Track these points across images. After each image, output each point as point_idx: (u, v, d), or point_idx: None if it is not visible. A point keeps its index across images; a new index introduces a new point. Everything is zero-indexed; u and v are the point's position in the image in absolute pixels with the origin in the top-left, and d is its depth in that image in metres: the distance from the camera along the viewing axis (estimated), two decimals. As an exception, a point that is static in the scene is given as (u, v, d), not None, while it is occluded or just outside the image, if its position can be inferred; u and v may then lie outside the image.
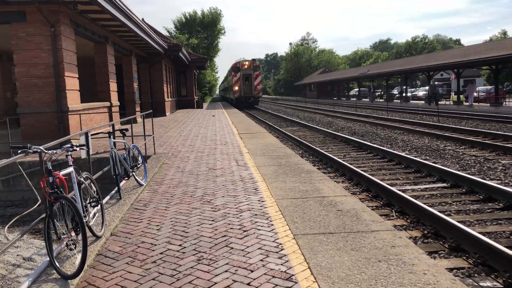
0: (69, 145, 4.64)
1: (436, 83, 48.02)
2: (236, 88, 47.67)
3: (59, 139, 4.99)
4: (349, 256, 4.28)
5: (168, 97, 32.90)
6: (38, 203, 5.56)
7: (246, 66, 47.95)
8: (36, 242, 7.48)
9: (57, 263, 4.22)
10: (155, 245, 4.92)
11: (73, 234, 4.52)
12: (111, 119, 18.96)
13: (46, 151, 4.32)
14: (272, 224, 5.36)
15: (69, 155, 4.77)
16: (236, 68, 48.38)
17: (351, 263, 4.11)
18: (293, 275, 3.94)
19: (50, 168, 4.23)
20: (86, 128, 14.50)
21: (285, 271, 4.02)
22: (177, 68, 40.52)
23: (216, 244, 4.81)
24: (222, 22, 73.76)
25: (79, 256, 4.11)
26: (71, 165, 4.73)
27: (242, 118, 25.68)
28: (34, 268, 5.70)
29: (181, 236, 5.16)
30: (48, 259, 4.42)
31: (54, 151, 4.40)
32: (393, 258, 4.21)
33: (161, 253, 4.66)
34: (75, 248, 4.46)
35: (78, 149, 4.80)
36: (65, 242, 4.52)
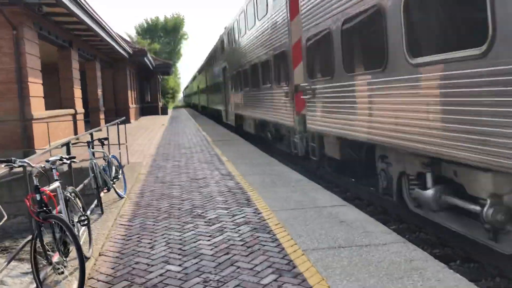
0: (57, 157, 4.15)
1: None
2: None
3: (43, 151, 4.48)
4: (369, 273, 3.97)
5: (132, 104, 32.03)
6: (4, 219, 5.02)
7: None
8: (11, 264, 6.83)
9: (46, 292, 3.72)
10: (152, 265, 4.47)
11: (57, 256, 4.04)
12: (75, 127, 18.11)
13: (33, 165, 3.81)
14: (277, 239, 5.00)
15: (54, 168, 4.26)
16: None
17: (374, 280, 3.80)
18: (315, 297, 3.60)
19: (37, 184, 3.74)
20: (51, 137, 13.73)
21: (305, 293, 3.67)
22: (141, 73, 39.56)
23: (220, 263, 4.41)
24: (185, 27, 73.11)
25: (75, 283, 3.63)
26: (57, 180, 4.23)
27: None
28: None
29: (179, 255, 4.72)
30: (34, 286, 3.91)
31: (43, 165, 3.90)
32: (415, 273, 3.93)
33: (161, 275, 4.22)
34: (64, 271, 3.98)
35: (68, 162, 4.31)
36: (52, 266, 4.02)
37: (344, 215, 5.76)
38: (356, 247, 4.63)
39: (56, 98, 20.22)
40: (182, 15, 76.74)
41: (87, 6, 14.68)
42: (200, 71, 45.28)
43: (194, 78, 57.03)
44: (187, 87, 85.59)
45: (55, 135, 14.81)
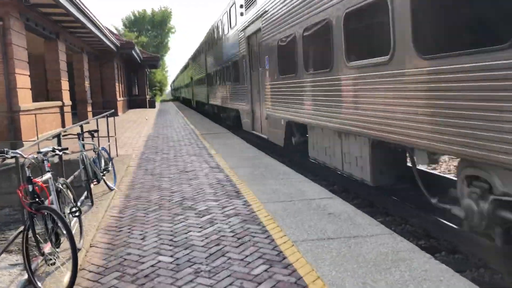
0: (50, 149, 4.16)
1: None
2: None
3: (34, 142, 4.49)
4: (358, 263, 4.06)
5: (120, 97, 31.83)
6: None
7: None
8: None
9: (39, 283, 3.75)
10: (144, 256, 4.51)
11: (49, 246, 4.07)
12: (63, 119, 17.98)
13: (26, 156, 3.82)
14: (267, 230, 5.07)
15: (46, 159, 4.27)
16: None
17: (363, 271, 3.89)
18: (305, 286, 3.68)
19: (29, 175, 3.75)
20: (38, 129, 13.64)
21: (295, 282, 3.75)
22: (129, 66, 39.29)
23: (211, 254, 4.46)
24: (172, 21, 72.67)
25: (67, 274, 3.66)
26: (48, 171, 4.25)
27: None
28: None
29: (170, 246, 4.77)
30: (25, 277, 3.93)
31: (35, 156, 3.92)
32: (402, 264, 4.02)
33: (152, 266, 4.26)
34: (56, 262, 4.00)
35: (61, 153, 4.32)
36: (43, 257, 4.05)
37: (332, 207, 5.85)
38: (345, 238, 4.72)
39: (43, 90, 20.05)
40: (169, 8, 76.10)
41: (74, -3, 14.56)
42: (195, 56, 35.35)
43: (186, 66, 46.77)
44: (176, 79, 77.93)
45: (42, 127, 14.70)
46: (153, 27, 70.85)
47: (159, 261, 4.36)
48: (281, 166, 9.05)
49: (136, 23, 69.54)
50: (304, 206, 5.96)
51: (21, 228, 3.89)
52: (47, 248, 4.03)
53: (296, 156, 11.53)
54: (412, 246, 4.48)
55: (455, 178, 5.63)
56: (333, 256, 4.23)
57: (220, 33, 19.86)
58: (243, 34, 14.49)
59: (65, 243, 4.31)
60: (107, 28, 30.04)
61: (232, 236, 4.94)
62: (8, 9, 12.70)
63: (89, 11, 17.16)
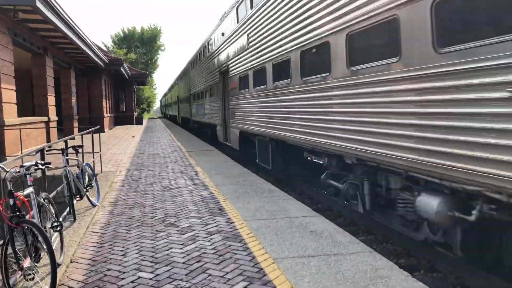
0: (32, 163, 4.17)
1: None
2: None
3: (17, 156, 4.50)
4: (336, 281, 4.11)
5: (107, 113, 31.75)
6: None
7: None
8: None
9: (17, 297, 3.73)
10: (124, 272, 4.51)
11: (28, 261, 4.05)
12: (48, 135, 17.88)
13: (8, 170, 3.84)
14: (248, 248, 5.10)
15: (28, 173, 4.28)
16: None
17: (341, 288, 3.94)
18: (283, 303, 3.71)
19: (11, 189, 3.76)
20: (23, 145, 13.55)
21: (274, 299, 3.78)
22: (116, 83, 39.27)
23: (192, 271, 4.48)
24: (161, 39, 72.91)
25: (46, 288, 3.65)
26: (30, 185, 4.26)
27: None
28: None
29: (151, 262, 4.77)
30: (3, 292, 3.90)
31: (17, 170, 3.93)
32: (380, 281, 4.08)
33: (132, 282, 4.26)
34: (35, 277, 3.98)
35: (43, 167, 4.33)
36: (22, 271, 4.03)
37: (314, 226, 5.90)
38: (325, 256, 4.77)
39: (29, 105, 19.95)
40: (159, 26, 76.44)
41: (63, 13, 14.61)
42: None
43: (194, 62, 28.07)
44: (169, 91, 63.00)
45: (27, 142, 14.61)
46: (142, 44, 71.00)
47: (139, 277, 4.36)
48: (266, 184, 9.10)
49: (125, 40, 69.66)
50: (286, 224, 6.01)
51: (0, 242, 3.87)
52: (26, 262, 4.01)
53: (282, 174, 11.69)
54: (391, 264, 4.54)
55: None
56: (312, 274, 4.27)
57: None
58: None
59: (44, 258, 4.30)
60: (95, 44, 30.10)
61: (214, 253, 4.96)
62: (-4, 24, 12.72)
63: (78, 27, 17.22)
